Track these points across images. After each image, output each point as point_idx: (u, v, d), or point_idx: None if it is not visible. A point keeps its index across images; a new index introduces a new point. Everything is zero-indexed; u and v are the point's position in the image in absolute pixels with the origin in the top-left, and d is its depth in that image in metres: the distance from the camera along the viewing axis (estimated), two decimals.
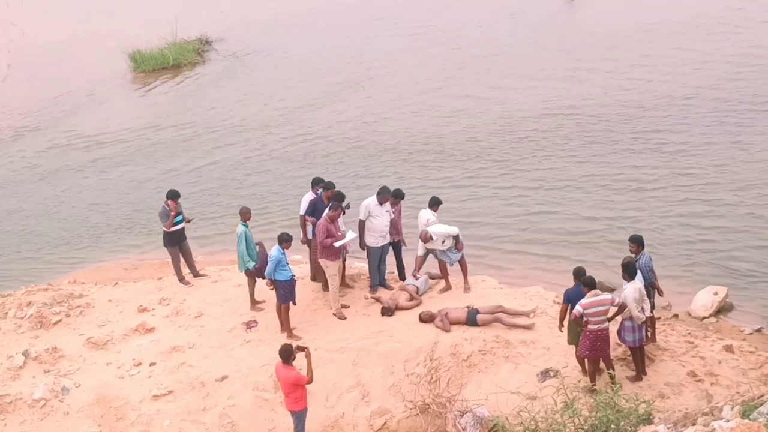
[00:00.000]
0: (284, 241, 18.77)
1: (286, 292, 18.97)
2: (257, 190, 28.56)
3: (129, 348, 19.50)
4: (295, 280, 19.25)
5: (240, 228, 20.04)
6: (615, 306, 15.86)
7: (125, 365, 18.83)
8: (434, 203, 20.35)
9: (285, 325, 19.21)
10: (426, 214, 20.14)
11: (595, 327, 15.72)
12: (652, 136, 28.10)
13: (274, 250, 18.83)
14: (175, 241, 21.84)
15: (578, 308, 15.74)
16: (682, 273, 20.91)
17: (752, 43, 34.87)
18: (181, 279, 22.13)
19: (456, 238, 19.82)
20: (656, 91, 31.73)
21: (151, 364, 18.76)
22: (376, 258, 20.48)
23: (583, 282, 16.07)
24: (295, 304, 19.25)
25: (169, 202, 21.51)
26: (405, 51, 40.77)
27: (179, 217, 21.68)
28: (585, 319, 15.73)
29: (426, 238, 19.62)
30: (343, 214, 19.80)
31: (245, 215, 20.20)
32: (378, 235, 20.15)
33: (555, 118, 30.68)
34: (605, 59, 35.91)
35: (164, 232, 21.78)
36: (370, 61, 39.97)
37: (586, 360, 16.26)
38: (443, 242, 19.79)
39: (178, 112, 37.26)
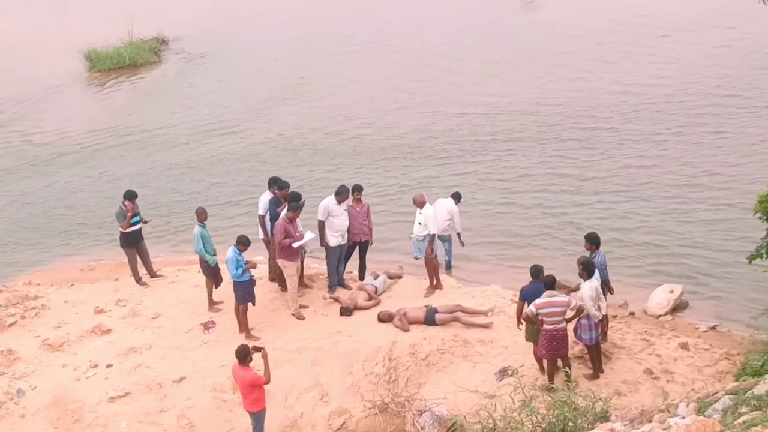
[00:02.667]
0: (240, 243, 18.72)
1: (245, 292, 18.95)
2: (213, 190, 28.40)
3: (85, 350, 19.37)
4: (254, 281, 19.23)
5: (197, 228, 20.01)
6: (572, 309, 15.93)
7: (81, 367, 18.70)
8: (457, 197, 21.26)
9: (243, 325, 19.17)
10: (449, 203, 20.98)
11: (550, 327, 15.83)
12: (606, 137, 28.29)
13: (229, 251, 18.80)
14: (132, 242, 21.74)
15: (531, 308, 15.88)
16: (638, 271, 21.07)
17: (704, 45, 35.23)
18: (138, 280, 22.02)
19: (430, 237, 19.80)
20: (612, 92, 31.96)
21: (108, 366, 18.63)
22: (335, 257, 20.50)
23: (544, 281, 16.16)
24: (254, 304, 19.23)
25: (126, 202, 21.41)
26: (362, 53, 40.71)
27: (136, 218, 21.60)
28: (540, 318, 15.83)
29: (419, 199, 19.77)
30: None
31: (201, 216, 20.14)
32: (339, 234, 20.18)
33: (510, 119, 30.77)
34: (560, 61, 36.08)
35: (121, 232, 21.68)
36: (326, 64, 39.82)
37: (544, 358, 16.37)
38: (420, 223, 19.80)
39: (134, 113, 37.00)
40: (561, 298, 15.99)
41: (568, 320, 16.02)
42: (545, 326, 15.86)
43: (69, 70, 42.74)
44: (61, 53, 44.18)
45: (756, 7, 16.53)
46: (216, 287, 20.38)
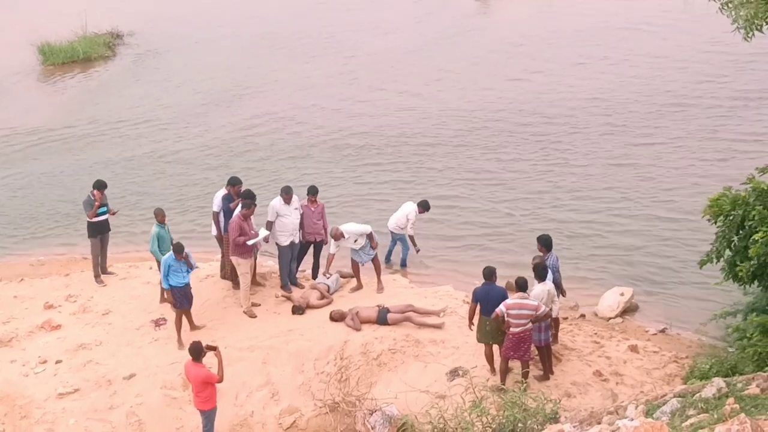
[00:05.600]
0: (177, 252, 18.46)
1: (178, 297, 18.74)
2: (165, 186, 28.21)
3: (34, 345, 19.22)
4: (190, 287, 18.90)
5: (154, 228, 19.86)
6: (539, 313, 15.95)
7: (30, 363, 18.57)
8: (424, 205, 21.71)
9: (178, 331, 18.83)
10: (410, 207, 21.58)
11: (517, 330, 15.86)
12: (561, 139, 28.45)
13: (167, 255, 18.66)
14: (97, 232, 21.60)
15: (501, 308, 15.85)
16: (589, 274, 21.22)
17: (662, 47, 35.53)
18: (97, 276, 21.81)
19: (369, 236, 19.98)
20: (568, 93, 32.09)
21: (57, 362, 18.51)
22: (286, 257, 20.49)
23: (516, 283, 16.21)
24: (188, 308, 18.96)
25: (95, 192, 21.35)
26: (320, 51, 40.59)
27: (103, 209, 21.47)
28: (507, 320, 15.85)
29: (337, 235, 19.77)
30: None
31: (158, 216, 20.00)
32: (288, 233, 20.17)
33: (460, 122, 30.78)
34: (516, 63, 36.23)
35: (88, 222, 21.51)
36: (281, 61, 39.67)
37: (499, 359, 16.42)
38: (355, 241, 19.94)
39: (88, 107, 36.62)
40: (531, 302, 15.97)
41: (533, 321, 16.02)
42: (512, 329, 15.88)
43: (21, 63, 42.21)
44: (13, 45, 43.68)
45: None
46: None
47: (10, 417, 17.16)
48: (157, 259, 19.91)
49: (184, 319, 19.08)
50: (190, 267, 18.77)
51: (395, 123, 31.41)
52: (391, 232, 21.75)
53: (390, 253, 22.15)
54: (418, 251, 22.05)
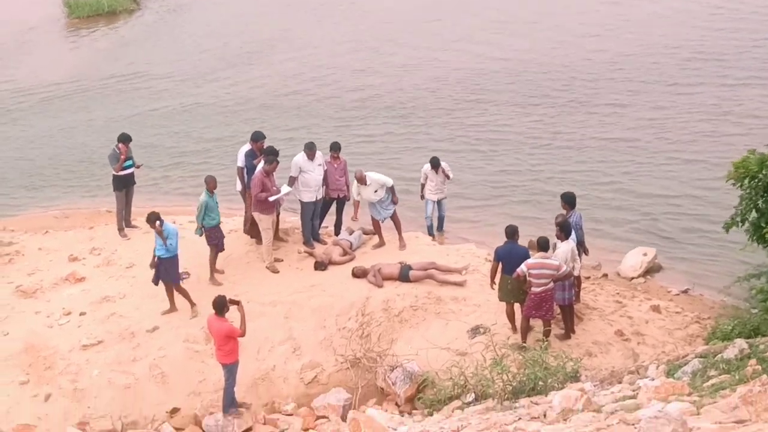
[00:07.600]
0: (148, 221, 18.05)
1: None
2: (191, 141, 28.30)
3: (59, 297, 19.29)
4: (167, 261, 18.26)
5: (202, 197, 19.10)
6: (561, 273, 15.91)
7: (55, 314, 18.63)
8: (433, 162, 21.23)
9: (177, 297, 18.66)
10: (425, 168, 21.39)
11: (539, 290, 15.82)
12: (584, 100, 28.32)
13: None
14: (122, 186, 21.51)
15: (522, 268, 15.80)
16: (613, 234, 21.20)
17: (694, 7, 35.21)
18: (120, 229, 21.77)
19: (391, 190, 19.86)
20: (592, 55, 31.89)
21: (81, 314, 18.57)
22: (309, 213, 20.41)
23: (538, 242, 16.16)
24: (160, 281, 18.58)
25: (120, 145, 21.27)
26: (340, 12, 40.39)
27: (129, 162, 21.41)
28: (528, 280, 15.82)
29: (360, 177, 19.64)
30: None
31: (209, 184, 19.06)
32: (312, 189, 20.11)
33: (486, 79, 30.78)
34: (539, 24, 35.99)
35: (113, 175, 21.48)
36: (302, 19, 39.49)
37: (520, 317, 16.41)
38: (375, 191, 19.76)
39: (112, 60, 36.66)
40: (552, 261, 15.92)
41: (555, 281, 15.97)
42: (534, 289, 15.84)
43: (47, 16, 42.27)
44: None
45: None
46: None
47: (35, 367, 17.27)
48: (208, 228, 19.25)
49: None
50: (163, 241, 18.04)
51: (414, 82, 31.33)
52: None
53: (441, 220, 22.05)
54: (422, 197, 21.82)
